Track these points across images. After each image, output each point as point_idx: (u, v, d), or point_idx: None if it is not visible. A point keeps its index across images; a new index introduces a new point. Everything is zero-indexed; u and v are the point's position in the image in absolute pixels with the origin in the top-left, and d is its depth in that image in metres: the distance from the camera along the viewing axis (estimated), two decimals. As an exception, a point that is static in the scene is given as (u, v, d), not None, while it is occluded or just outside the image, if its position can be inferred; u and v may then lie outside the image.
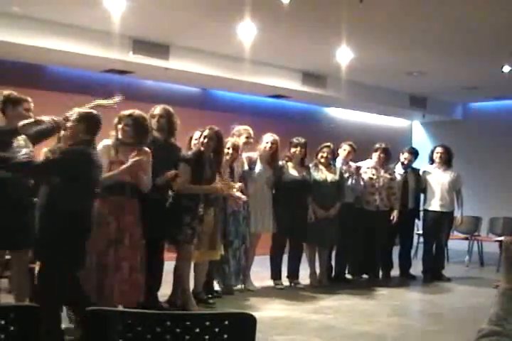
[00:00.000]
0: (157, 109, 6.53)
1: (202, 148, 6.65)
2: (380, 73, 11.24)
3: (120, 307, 5.55)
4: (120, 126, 5.95)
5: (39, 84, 9.35)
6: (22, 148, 5.34)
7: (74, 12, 7.89)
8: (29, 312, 2.29)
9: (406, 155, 9.44)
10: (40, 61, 9.25)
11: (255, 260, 8.20)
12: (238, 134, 7.74)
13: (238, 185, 7.17)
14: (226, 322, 2.31)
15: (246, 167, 7.83)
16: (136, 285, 5.85)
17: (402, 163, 9.44)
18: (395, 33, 8.70)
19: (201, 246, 6.74)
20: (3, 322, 2.23)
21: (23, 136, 5.37)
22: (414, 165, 9.61)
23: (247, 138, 7.76)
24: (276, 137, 8.08)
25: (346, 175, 8.59)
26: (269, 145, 8.03)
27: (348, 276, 9.01)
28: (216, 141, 6.68)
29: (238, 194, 7.27)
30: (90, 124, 5.21)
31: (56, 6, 7.70)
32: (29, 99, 5.58)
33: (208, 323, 2.31)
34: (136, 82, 10.33)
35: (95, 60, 9.01)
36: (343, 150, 8.74)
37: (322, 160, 8.39)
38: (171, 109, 6.56)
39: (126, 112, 6.00)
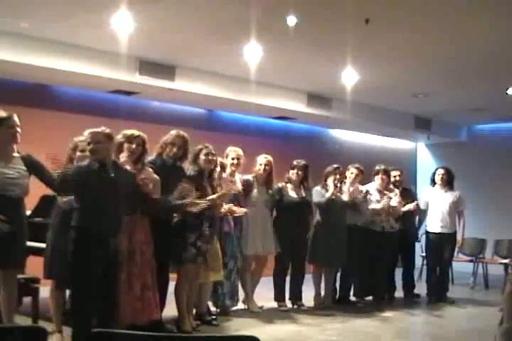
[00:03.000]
0: (178, 139, 6.53)
1: (202, 166, 6.68)
2: (385, 95, 11.28)
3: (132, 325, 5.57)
4: (127, 146, 5.99)
5: (45, 104, 9.42)
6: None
7: (81, 32, 7.94)
8: (35, 333, 2.29)
9: (394, 173, 9.41)
10: (46, 81, 9.29)
11: (260, 281, 8.19)
12: (226, 155, 7.74)
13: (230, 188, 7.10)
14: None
15: (239, 188, 7.78)
16: (148, 303, 5.88)
17: (393, 182, 9.38)
18: (400, 55, 8.74)
19: (208, 266, 6.73)
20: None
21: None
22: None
23: (232, 159, 7.74)
24: (269, 158, 8.08)
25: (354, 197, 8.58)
26: (262, 167, 8.02)
27: (353, 298, 8.97)
28: (215, 157, 6.79)
29: (234, 207, 7.32)
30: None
31: (63, 27, 7.75)
32: (13, 115, 5.51)
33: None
34: (142, 102, 10.38)
35: (102, 80, 9.05)
36: (351, 173, 8.74)
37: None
38: (187, 136, 6.59)
39: (134, 132, 6.05)
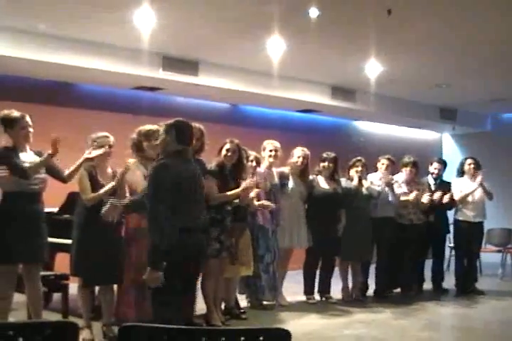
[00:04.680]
0: (194, 131, 6.49)
1: (224, 160, 6.71)
2: (410, 86, 11.23)
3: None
4: (147, 143, 6.08)
5: (69, 102, 9.48)
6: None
7: (104, 30, 7.99)
8: (66, 329, 2.31)
9: (435, 165, 9.40)
10: (70, 79, 9.36)
11: (288, 275, 8.20)
12: (263, 148, 7.77)
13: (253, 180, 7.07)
14: (261, 338, 2.32)
15: (276, 181, 7.82)
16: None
17: (432, 174, 9.40)
18: (423, 46, 8.69)
19: (234, 260, 6.74)
20: (39, 338, 2.25)
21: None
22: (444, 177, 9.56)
23: (270, 151, 7.77)
24: (306, 151, 8.10)
25: (383, 188, 8.57)
26: (300, 159, 8.04)
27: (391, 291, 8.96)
28: (237, 153, 6.77)
29: (266, 202, 7.33)
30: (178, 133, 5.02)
31: (86, 25, 7.81)
32: (25, 116, 5.67)
33: (243, 338, 2.32)
34: (165, 98, 10.41)
35: (125, 77, 9.10)
36: (382, 164, 8.73)
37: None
38: (203, 128, 6.58)
39: (153, 127, 6.09)
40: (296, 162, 8.06)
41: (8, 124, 5.63)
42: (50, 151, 5.47)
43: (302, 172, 8.14)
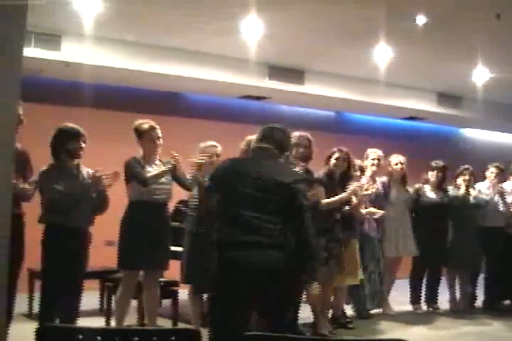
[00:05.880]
0: (301, 139, 6.45)
1: (332, 169, 6.71)
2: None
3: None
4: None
5: (177, 112, 9.69)
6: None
7: (211, 40, 8.14)
8: (189, 336, 2.37)
9: None
10: (178, 89, 9.58)
11: (395, 284, 8.13)
12: (366, 156, 7.74)
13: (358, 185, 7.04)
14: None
15: (380, 190, 7.77)
16: None
17: None
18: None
19: (343, 269, 6.73)
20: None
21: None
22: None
23: (373, 159, 7.73)
24: (402, 157, 8.03)
25: (493, 197, 8.40)
26: (399, 166, 7.97)
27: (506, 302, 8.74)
28: (347, 162, 6.75)
29: (373, 209, 7.32)
30: None
31: (194, 35, 7.97)
32: (155, 127, 5.87)
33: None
34: (271, 107, 10.49)
35: (232, 86, 9.24)
36: (491, 172, 8.55)
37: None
38: (310, 137, 6.55)
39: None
40: (394, 169, 7.99)
41: (139, 135, 5.86)
42: (173, 161, 5.66)
43: (402, 179, 8.07)
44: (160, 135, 5.86)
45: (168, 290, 6.46)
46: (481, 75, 8.41)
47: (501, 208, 8.42)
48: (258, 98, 10.10)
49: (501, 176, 8.62)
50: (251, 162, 4.29)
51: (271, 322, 3.95)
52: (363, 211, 7.14)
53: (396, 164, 8.00)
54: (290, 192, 4.00)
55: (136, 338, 2.30)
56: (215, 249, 4.10)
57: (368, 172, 7.65)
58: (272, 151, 4.22)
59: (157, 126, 5.86)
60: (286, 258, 3.93)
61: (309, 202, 5.39)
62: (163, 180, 5.80)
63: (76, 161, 5.45)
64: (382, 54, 7.51)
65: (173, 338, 2.26)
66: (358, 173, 7.27)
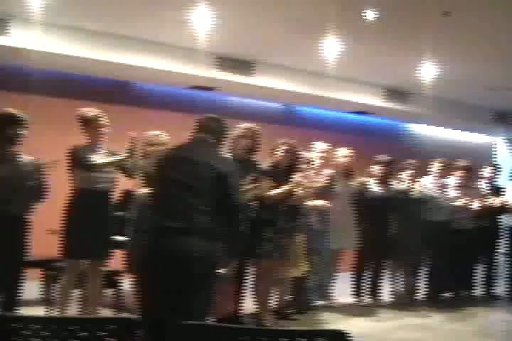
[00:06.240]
0: (247, 131, 6.44)
1: (278, 161, 6.72)
2: (464, 88, 11.12)
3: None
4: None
5: (125, 101, 9.60)
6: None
7: (160, 30, 8.09)
8: (128, 325, 2.35)
9: (488, 169, 9.28)
10: (127, 78, 9.48)
11: (338, 276, 8.18)
12: (313, 149, 7.76)
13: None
14: (319, 339, 2.33)
15: (325, 183, 7.79)
16: (223, 295, 5.91)
17: (485, 178, 9.28)
18: (478, 47, 8.61)
19: (286, 261, 6.74)
20: (103, 334, 2.29)
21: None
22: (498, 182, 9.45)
23: (319, 152, 7.74)
24: (348, 151, 8.08)
25: (436, 192, 8.51)
26: (345, 159, 8.02)
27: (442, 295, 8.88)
28: (292, 154, 6.76)
29: (319, 201, 7.34)
30: None
31: (143, 24, 7.91)
32: (101, 115, 5.83)
33: (301, 340, 2.33)
34: (219, 97, 10.46)
35: (180, 76, 9.19)
36: (434, 166, 8.66)
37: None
38: (257, 128, 6.52)
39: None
40: (341, 162, 8.04)
41: (84, 123, 5.79)
42: (125, 154, 5.61)
43: (347, 173, 8.12)
44: (105, 123, 5.80)
45: (112, 279, 6.41)
46: (428, 71, 8.48)
47: (444, 202, 8.53)
48: (207, 88, 10.05)
49: (446, 171, 8.73)
50: (187, 150, 4.28)
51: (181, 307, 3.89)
52: (309, 203, 7.16)
53: (342, 157, 8.04)
54: (223, 181, 4.03)
55: (77, 327, 2.27)
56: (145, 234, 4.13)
57: (315, 165, 7.67)
58: (209, 141, 4.28)
59: (103, 115, 5.80)
60: (212, 246, 3.97)
61: (248, 190, 5.45)
62: (107, 169, 5.74)
63: (15, 148, 5.35)
64: (332, 47, 7.51)
65: (111, 327, 2.24)
66: (305, 166, 7.28)
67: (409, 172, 8.33)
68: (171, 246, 3.90)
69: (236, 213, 4.14)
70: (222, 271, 4.39)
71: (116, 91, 9.62)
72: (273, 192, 6.51)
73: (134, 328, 2.32)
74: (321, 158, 7.71)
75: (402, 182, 8.32)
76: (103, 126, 5.79)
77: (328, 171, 7.92)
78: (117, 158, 5.72)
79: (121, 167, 5.85)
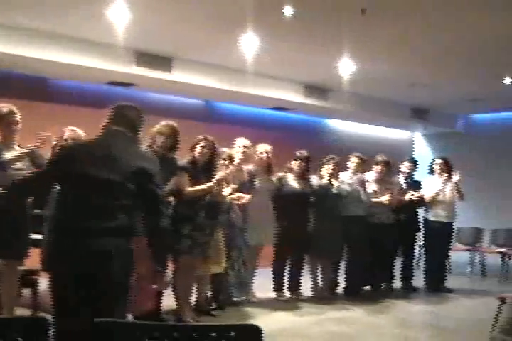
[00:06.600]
0: (166, 128, 6.45)
1: (196, 157, 6.71)
2: (382, 85, 11.29)
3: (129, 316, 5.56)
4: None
5: (42, 97, 9.42)
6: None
7: (77, 25, 7.96)
8: (38, 324, 2.31)
9: (407, 164, 9.50)
10: (44, 73, 9.31)
11: (258, 272, 8.21)
12: (233, 145, 7.77)
13: (232, 186, 7.14)
14: (232, 334, 2.34)
15: (245, 178, 7.82)
16: (144, 293, 5.84)
17: (403, 173, 9.48)
18: (396, 45, 8.75)
19: (206, 257, 6.74)
20: (15, 334, 2.26)
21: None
22: (415, 176, 9.65)
23: (239, 147, 7.76)
24: (268, 147, 8.13)
25: (355, 187, 8.62)
26: (264, 155, 8.06)
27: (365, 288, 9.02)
28: (211, 150, 6.76)
29: (240, 194, 7.34)
30: None
31: (60, 19, 7.77)
32: (13, 112, 5.69)
33: (214, 335, 2.33)
34: (139, 94, 10.36)
35: (98, 72, 9.07)
36: (352, 162, 8.78)
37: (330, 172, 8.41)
38: (176, 126, 6.51)
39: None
40: (260, 158, 8.07)
41: None
42: (32, 145, 5.50)
43: (267, 168, 8.16)
44: (18, 120, 5.69)
45: (28, 279, 6.29)
46: (346, 68, 8.56)
47: (363, 197, 8.65)
48: (125, 84, 9.95)
49: (363, 166, 8.86)
50: (105, 145, 3.96)
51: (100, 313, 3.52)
52: (230, 197, 7.17)
53: (262, 153, 8.07)
54: (144, 177, 3.81)
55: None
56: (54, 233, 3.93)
57: (235, 161, 7.68)
58: (126, 134, 4.03)
59: (16, 111, 5.68)
60: (128, 244, 3.79)
61: (168, 188, 5.38)
62: (19, 165, 5.61)
63: None
64: (250, 43, 7.51)
65: (23, 327, 2.21)
66: (227, 162, 7.28)
67: (329, 167, 8.42)
68: (83, 246, 3.65)
69: (158, 209, 3.88)
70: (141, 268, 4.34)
71: (35, 87, 9.42)
72: (191, 188, 6.51)
73: (47, 328, 2.28)
74: (240, 153, 7.73)
75: (322, 177, 8.40)
76: (16, 123, 5.67)
77: (248, 167, 7.95)
78: (25, 150, 5.59)
79: (34, 162, 5.73)
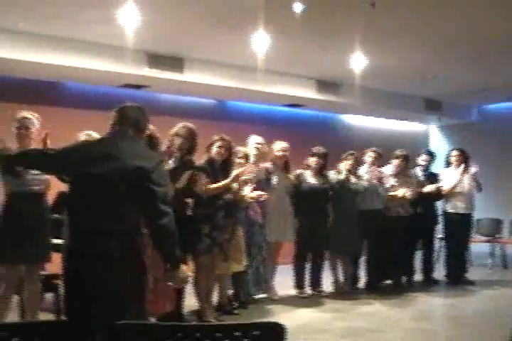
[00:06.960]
0: (183, 130, 6.46)
1: (214, 157, 6.74)
2: (394, 78, 11.24)
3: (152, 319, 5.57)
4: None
5: (56, 101, 9.45)
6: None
7: (88, 28, 7.97)
8: (60, 328, 2.32)
9: (424, 157, 9.47)
10: (57, 78, 9.34)
11: (279, 269, 8.21)
12: (248, 143, 7.78)
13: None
14: (256, 332, 2.33)
15: (262, 176, 7.82)
16: (161, 294, 5.87)
17: (420, 166, 9.44)
18: (407, 38, 8.70)
19: (227, 257, 6.74)
20: (38, 338, 2.27)
21: None
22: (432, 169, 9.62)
23: (254, 146, 7.78)
24: (285, 144, 8.13)
25: (372, 181, 8.61)
26: (281, 153, 8.07)
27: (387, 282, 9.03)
28: (228, 150, 6.80)
29: (258, 192, 7.34)
30: None
31: (71, 23, 7.79)
32: (26, 116, 5.73)
33: (238, 334, 2.33)
34: (151, 95, 10.38)
35: (111, 75, 9.09)
36: (369, 156, 8.75)
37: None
38: (194, 128, 6.52)
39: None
40: (277, 156, 8.08)
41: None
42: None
43: (284, 165, 8.16)
44: (34, 125, 5.71)
45: (50, 283, 6.32)
46: (358, 62, 8.53)
47: (380, 191, 8.63)
48: (138, 87, 9.96)
49: (379, 160, 8.84)
50: (106, 144, 3.93)
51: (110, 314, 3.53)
52: (248, 195, 7.17)
53: (279, 151, 8.08)
54: (140, 175, 3.71)
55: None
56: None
57: (251, 159, 7.69)
58: (129, 133, 3.98)
59: (31, 116, 5.71)
60: (134, 247, 3.76)
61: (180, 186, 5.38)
62: (36, 171, 5.64)
63: None
64: (261, 41, 7.49)
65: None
66: (243, 160, 7.29)
67: (348, 162, 8.41)
68: (93, 249, 3.64)
69: (158, 207, 3.71)
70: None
71: (48, 92, 9.45)
72: (211, 186, 6.52)
73: (66, 331, 2.29)
74: (255, 151, 7.74)
75: (340, 172, 8.39)
76: (26, 128, 5.69)
77: (264, 165, 7.96)
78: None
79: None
